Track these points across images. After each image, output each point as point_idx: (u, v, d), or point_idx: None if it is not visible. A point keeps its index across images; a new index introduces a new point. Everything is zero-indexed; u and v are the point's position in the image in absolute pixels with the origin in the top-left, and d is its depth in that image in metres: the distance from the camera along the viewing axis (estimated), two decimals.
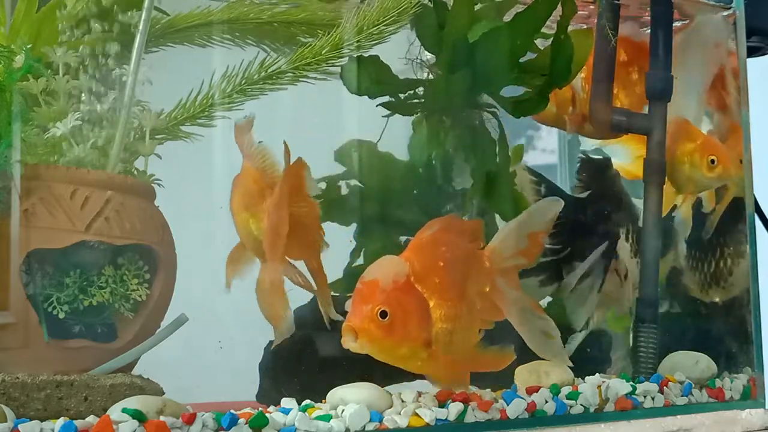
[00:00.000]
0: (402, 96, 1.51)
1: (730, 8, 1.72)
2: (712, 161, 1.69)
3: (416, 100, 1.53)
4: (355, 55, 1.42)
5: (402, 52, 1.53)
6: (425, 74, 1.56)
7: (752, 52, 1.85)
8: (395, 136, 1.56)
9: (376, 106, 1.49)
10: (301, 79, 1.39)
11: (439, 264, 1.22)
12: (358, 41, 1.41)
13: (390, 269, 1.18)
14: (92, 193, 1.21)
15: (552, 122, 1.71)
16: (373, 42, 1.42)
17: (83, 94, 1.28)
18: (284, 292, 1.28)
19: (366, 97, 1.46)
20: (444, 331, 1.20)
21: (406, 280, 1.18)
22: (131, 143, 1.30)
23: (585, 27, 1.65)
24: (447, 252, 1.24)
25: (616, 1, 1.63)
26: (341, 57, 1.40)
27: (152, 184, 1.32)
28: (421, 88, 1.52)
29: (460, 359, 1.23)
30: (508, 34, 1.48)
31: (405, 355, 1.18)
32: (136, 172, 1.31)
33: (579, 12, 1.60)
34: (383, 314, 1.14)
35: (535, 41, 1.52)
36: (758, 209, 1.86)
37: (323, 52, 1.39)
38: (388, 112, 1.51)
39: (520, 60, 1.52)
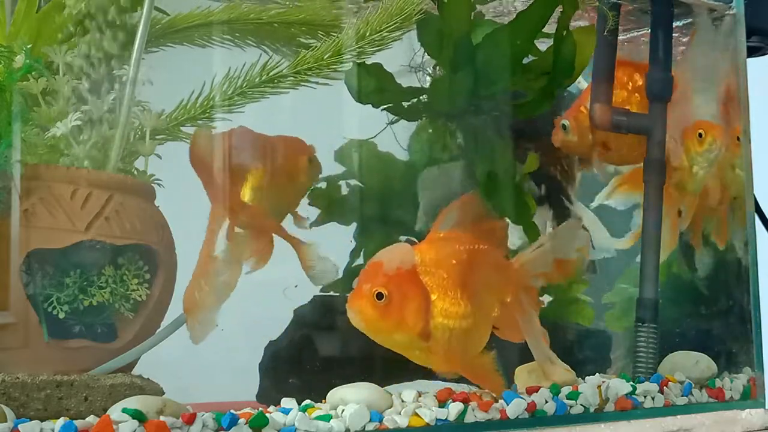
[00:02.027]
0: (405, 104, 1.51)
1: (730, 8, 1.72)
2: (700, 135, 1.69)
3: (419, 102, 1.53)
4: (359, 63, 1.42)
5: (404, 57, 1.54)
6: (427, 79, 1.56)
7: (752, 52, 1.85)
8: (395, 135, 1.56)
9: (381, 109, 1.50)
10: (302, 83, 1.39)
11: (450, 261, 1.22)
12: (360, 47, 1.41)
13: (397, 255, 1.19)
14: (92, 193, 1.21)
15: (574, 151, 1.71)
16: (376, 48, 1.42)
17: (84, 94, 1.28)
18: (209, 283, 1.27)
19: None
20: (443, 327, 1.20)
21: (411, 269, 1.19)
22: (131, 143, 1.30)
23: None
24: (463, 251, 1.24)
25: (617, 1, 1.63)
26: (344, 62, 1.40)
27: (152, 184, 1.32)
28: (424, 96, 1.53)
29: (460, 361, 1.24)
30: (510, 34, 1.48)
31: (400, 341, 1.19)
32: (136, 172, 1.31)
33: None
34: (380, 296, 1.15)
35: (536, 41, 1.52)
36: (758, 209, 1.86)
37: (325, 57, 1.39)
38: (392, 116, 1.51)
39: (523, 60, 1.52)
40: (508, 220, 1.50)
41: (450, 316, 1.20)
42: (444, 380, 1.31)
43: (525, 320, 1.31)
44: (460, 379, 1.29)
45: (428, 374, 1.37)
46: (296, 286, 1.33)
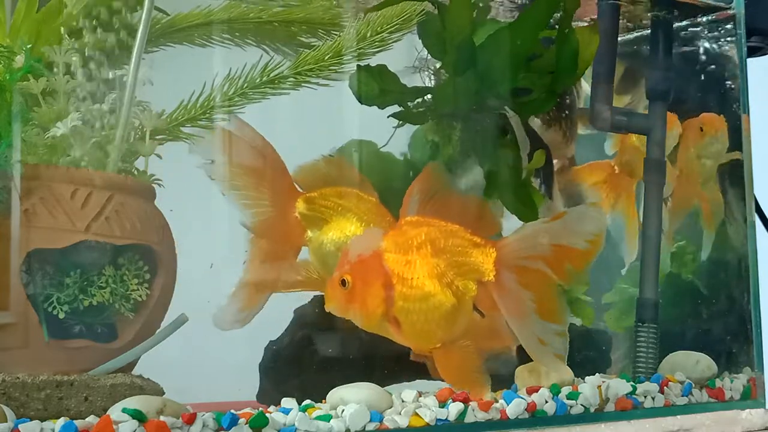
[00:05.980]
0: (410, 104, 1.51)
1: (730, 8, 1.72)
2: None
3: (423, 107, 1.53)
4: (363, 65, 1.42)
5: (406, 56, 1.53)
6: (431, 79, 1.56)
7: (752, 52, 1.85)
8: (396, 134, 1.56)
9: (387, 117, 1.49)
10: (303, 84, 1.40)
11: (413, 244, 1.23)
12: (361, 48, 1.41)
13: (362, 242, 1.23)
14: (92, 193, 1.21)
15: None
16: (377, 49, 1.42)
17: (83, 93, 1.28)
18: None
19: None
20: (404, 310, 1.21)
21: (373, 254, 1.21)
22: (131, 143, 1.30)
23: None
24: (426, 233, 1.24)
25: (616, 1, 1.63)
26: (344, 64, 1.40)
27: (152, 184, 1.32)
28: (429, 95, 1.52)
29: (435, 341, 1.25)
30: (512, 34, 1.48)
31: (369, 325, 1.22)
32: (136, 172, 1.31)
33: None
34: (343, 282, 1.19)
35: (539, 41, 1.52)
36: (758, 209, 1.86)
37: (326, 58, 1.39)
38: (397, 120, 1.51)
39: (527, 60, 1.52)
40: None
41: (410, 300, 1.22)
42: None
43: (506, 300, 1.28)
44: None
45: (428, 374, 1.37)
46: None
